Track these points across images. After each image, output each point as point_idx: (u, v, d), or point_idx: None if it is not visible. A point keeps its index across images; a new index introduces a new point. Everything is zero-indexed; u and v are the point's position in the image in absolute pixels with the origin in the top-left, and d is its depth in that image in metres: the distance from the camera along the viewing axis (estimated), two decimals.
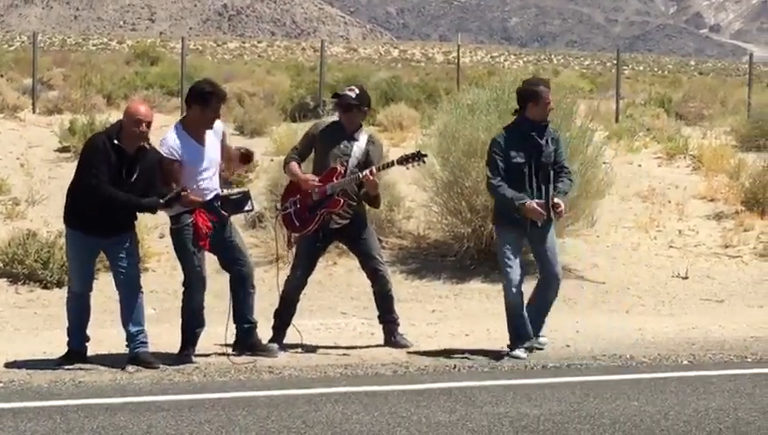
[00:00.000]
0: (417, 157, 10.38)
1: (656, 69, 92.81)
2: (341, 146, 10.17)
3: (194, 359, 9.76)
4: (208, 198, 9.67)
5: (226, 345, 10.03)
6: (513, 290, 10.05)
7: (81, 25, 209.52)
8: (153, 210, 9.64)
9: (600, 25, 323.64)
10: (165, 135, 9.74)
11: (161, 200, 9.38)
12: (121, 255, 9.56)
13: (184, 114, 10.04)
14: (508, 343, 10.17)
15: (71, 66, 39.42)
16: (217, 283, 10.34)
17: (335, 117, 10.60)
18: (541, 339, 10.43)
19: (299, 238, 10.37)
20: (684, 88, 40.96)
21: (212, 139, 9.81)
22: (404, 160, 10.37)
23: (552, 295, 10.38)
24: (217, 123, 9.88)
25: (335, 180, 10.06)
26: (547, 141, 10.11)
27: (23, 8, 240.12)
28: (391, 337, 10.51)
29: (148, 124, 9.42)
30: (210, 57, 77.11)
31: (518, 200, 9.87)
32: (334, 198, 10.07)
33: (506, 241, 10.13)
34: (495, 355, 10.13)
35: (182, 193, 9.44)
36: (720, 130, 24.23)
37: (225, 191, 10.00)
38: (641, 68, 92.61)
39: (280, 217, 10.53)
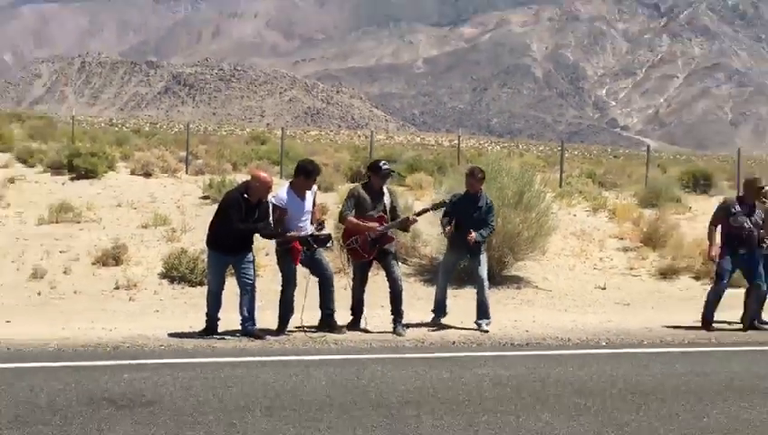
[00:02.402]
0: (442, 205, 10.55)
1: (586, 154, 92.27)
2: (377, 201, 10.09)
3: (286, 333, 9.76)
4: (303, 234, 9.68)
5: (303, 327, 9.99)
6: (441, 291, 10.65)
7: (217, 118, 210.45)
8: (265, 231, 9.52)
9: (549, 124, 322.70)
10: (277, 192, 9.74)
11: (272, 231, 9.49)
12: (243, 266, 9.57)
13: (291, 179, 9.97)
14: (432, 314, 10.71)
15: (210, 144, 39.65)
16: (300, 285, 10.33)
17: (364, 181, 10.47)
18: (483, 326, 10.42)
19: (355, 260, 10.36)
20: (604, 166, 40.80)
21: (309, 196, 9.82)
22: (435, 207, 10.45)
23: (481, 293, 10.48)
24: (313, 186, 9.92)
25: (385, 223, 10.08)
26: (477, 207, 10.46)
27: (180, 107, 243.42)
28: (395, 327, 10.17)
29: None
30: (299, 141, 77.13)
31: (446, 226, 10.39)
32: (388, 235, 10.11)
33: (447, 260, 10.72)
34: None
35: (287, 235, 9.54)
36: (627, 194, 24.13)
37: (315, 232, 9.91)
38: (576, 153, 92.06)
39: (346, 250, 10.41)
